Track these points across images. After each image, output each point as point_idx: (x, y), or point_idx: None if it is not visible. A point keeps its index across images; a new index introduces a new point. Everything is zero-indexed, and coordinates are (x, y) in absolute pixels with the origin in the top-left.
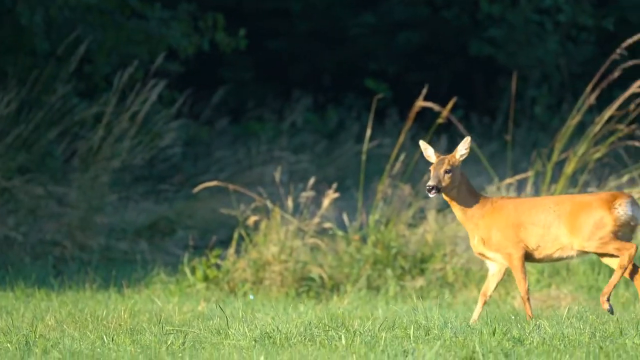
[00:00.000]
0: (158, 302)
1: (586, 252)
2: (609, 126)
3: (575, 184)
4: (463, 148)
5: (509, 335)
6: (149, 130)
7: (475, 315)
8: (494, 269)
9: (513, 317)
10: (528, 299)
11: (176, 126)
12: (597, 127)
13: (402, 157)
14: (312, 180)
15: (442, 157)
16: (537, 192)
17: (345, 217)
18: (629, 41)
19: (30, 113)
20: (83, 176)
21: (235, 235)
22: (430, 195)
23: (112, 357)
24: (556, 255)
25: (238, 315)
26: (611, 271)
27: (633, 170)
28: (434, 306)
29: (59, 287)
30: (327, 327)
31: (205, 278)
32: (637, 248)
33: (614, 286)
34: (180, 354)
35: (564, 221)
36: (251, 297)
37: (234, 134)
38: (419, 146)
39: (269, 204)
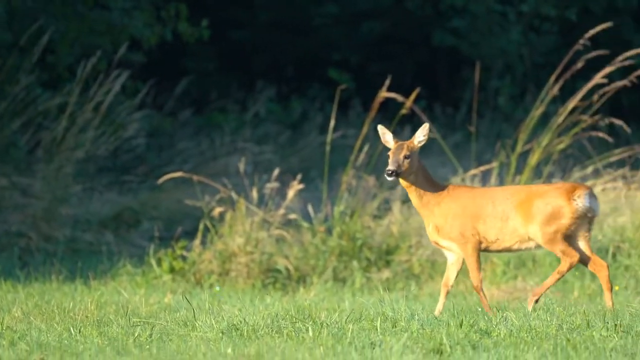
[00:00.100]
0: (124, 294)
1: (538, 245)
2: (573, 117)
3: (539, 175)
4: (421, 134)
5: (476, 327)
6: (113, 120)
7: (439, 306)
8: (452, 258)
9: (480, 309)
10: (482, 289)
11: (140, 117)
12: (561, 118)
13: (366, 148)
14: (276, 171)
15: (401, 142)
16: (501, 183)
17: (310, 209)
18: (592, 32)
19: None
20: (47, 167)
21: (201, 227)
22: (389, 179)
23: (80, 349)
24: (515, 247)
25: (205, 307)
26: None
27: (597, 161)
28: (401, 298)
29: (25, 279)
30: (294, 319)
31: (172, 270)
32: (579, 259)
33: (547, 289)
34: (147, 346)
35: (519, 210)
36: (217, 288)
37: (198, 125)
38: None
39: (233, 195)
